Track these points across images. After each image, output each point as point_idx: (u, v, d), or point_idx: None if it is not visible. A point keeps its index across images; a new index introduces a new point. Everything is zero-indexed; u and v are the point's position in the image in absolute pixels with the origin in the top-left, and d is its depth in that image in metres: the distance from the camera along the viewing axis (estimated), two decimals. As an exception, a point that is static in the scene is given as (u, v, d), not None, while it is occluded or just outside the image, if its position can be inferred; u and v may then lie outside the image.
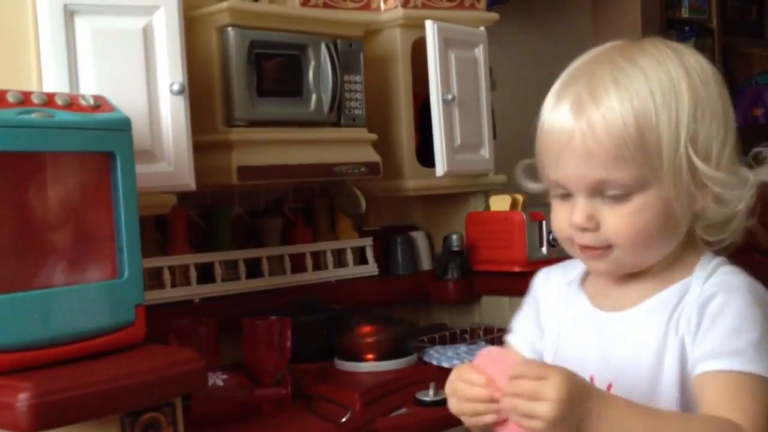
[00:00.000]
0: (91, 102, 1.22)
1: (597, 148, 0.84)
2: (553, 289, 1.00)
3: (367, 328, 1.66)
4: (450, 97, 1.86)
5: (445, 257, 1.97)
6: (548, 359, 0.96)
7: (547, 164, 0.90)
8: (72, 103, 1.20)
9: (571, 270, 0.99)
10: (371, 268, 1.97)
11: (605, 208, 0.87)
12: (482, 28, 1.99)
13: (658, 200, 0.86)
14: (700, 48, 3.98)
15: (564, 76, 0.91)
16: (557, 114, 0.88)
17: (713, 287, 0.87)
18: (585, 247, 0.89)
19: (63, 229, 1.20)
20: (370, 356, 1.61)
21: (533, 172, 0.95)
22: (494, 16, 2.06)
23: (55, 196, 1.20)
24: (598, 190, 0.86)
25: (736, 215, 0.88)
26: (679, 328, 0.86)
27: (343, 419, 1.36)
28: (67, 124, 1.16)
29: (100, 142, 1.19)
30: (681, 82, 0.86)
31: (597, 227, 0.87)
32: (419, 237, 2.09)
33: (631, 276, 0.92)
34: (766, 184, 0.90)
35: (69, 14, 1.34)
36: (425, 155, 1.93)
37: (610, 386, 0.87)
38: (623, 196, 0.86)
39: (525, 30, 2.86)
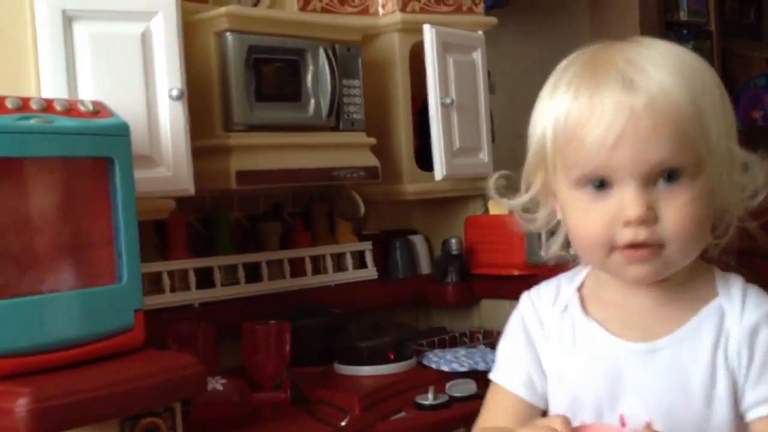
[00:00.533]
0: (90, 108, 1.22)
1: (662, 124, 0.76)
2: (546, 316, 0.90)
3: (366, 332, 1.66)
4: (448, 101, 1.86)
5: (444, 261, 1.97)
6: (560, 400, 0.87)
7: (581, 156, 0.79)
8: (71, 109, 1.20)
9: (563, 291, 0.90)
10: (370, 272, 1.97)
11: (660, 197, 0.77)
12: (480, 32, 2.00)
13: (708, 188, 0.79)
14: (699, 50, 3.98)
15: (570, 69, 0.83)
16: (598, 97, 0.78)
17: (755, 316, 0.82)
18: (636, 247, 0.78)
19: (62, 234, 1.20)
20: (369, 360, 1.61)
21: (513, 185, 0.88)
22: (492, 20, 2.07)
23: (54, 201, 1.20)
24: (655, 177, 0.77)
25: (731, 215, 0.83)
26: (728, 360, 0.81)
27: (343, 423, 1.36)
28: (66, 129, 1.16)
29: (98, 148, 1.20)
30: (705, 65, 0.81)
31: (656, 220, 0.77)
32: (418, 241, 2.09)
33: (648, 296, 0.84)
34: None
35: (67, 20, 1.34)
36: (424, 159, 1.93)
37: (649, 425, 0.77)
38: (684, 182, 0.77)
39: (523, 34, 2.87)
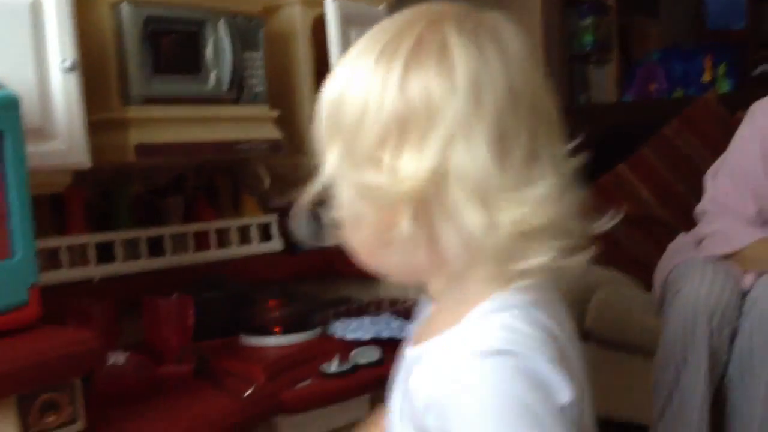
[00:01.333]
0: (-23, 79, 1.19)
1: None
2: None
3: (271, 303, 1.67)
4: (351, 73, 1.87)
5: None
6: None
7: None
8: (-44, 80, 1.17)
9: None
10: (276, 244, 1.98)
11: None
12: (382, 6, 2.01)
13: None
14: (599, 26, 4.10)
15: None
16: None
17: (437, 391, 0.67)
18: None
19: (-50, 209, 1.17)
20: (274, 330, 1.63)
21: None
22: (394, -7, 2.08)
23: (-60, 175, 1.16)
24: None
25: None
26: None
27: (247, 393, 1.37)
28: (-49, 101, 1.13)
29: (-13, 120, 1.16)
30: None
31: None
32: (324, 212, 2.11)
33: None
34: None
35: (-49, -12, 1.29)
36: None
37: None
38: None
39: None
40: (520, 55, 0.69)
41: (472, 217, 0.66)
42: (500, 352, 0.64)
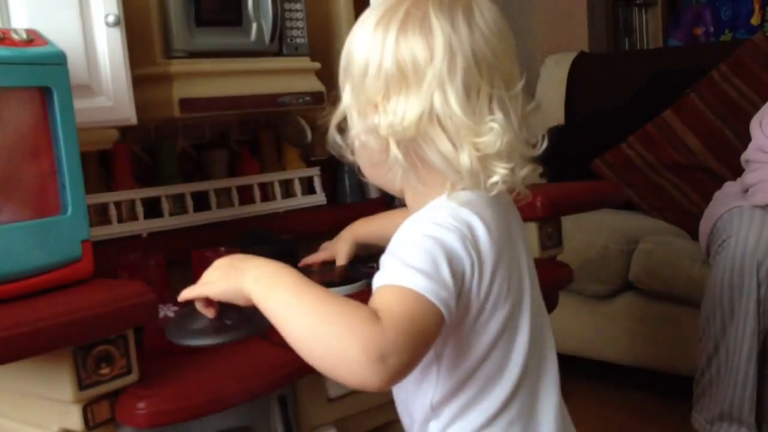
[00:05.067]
0: (24, 36, 1.19)
1: None
2: None
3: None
4: (392, 23, 1.85)
5: (392, 184, 1.99)
6: None
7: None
8: (4, 38, 1.17)
9: None
10: (319, 198, 1.98)
11: None
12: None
13: None
14: (643, -32, 4.00)
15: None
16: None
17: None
18: None
19: (3, 167, 1.18)
20: (320, 283, 1.63)
21: None
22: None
23: (-7, 133, 1.18)
24: None
25: None
26: None
27: (295, 345, 1.39)
28: (0, 59, 1.13)
29: (35, 77, 1.17)
30: None
31: None
32: (366, 165, 2.11)
33: None
34: None
35: (-5, -55, 1.29)
36: (369, 83, 1.93)
37: None
38: None
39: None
40: (485, 25, 0.91)
41: (444, 145, 0.89)
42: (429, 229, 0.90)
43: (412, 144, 0.91)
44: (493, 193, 0.91)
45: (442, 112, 0.89)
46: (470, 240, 0.89)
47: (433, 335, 0.86)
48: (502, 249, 0.92)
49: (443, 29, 0.89)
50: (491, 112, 0.90)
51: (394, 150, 0.91)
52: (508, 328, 0.94)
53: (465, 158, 0.89)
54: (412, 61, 0.89)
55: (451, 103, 0.88)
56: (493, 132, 0.89)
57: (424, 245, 0.87)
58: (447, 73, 0.88)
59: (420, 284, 0.85)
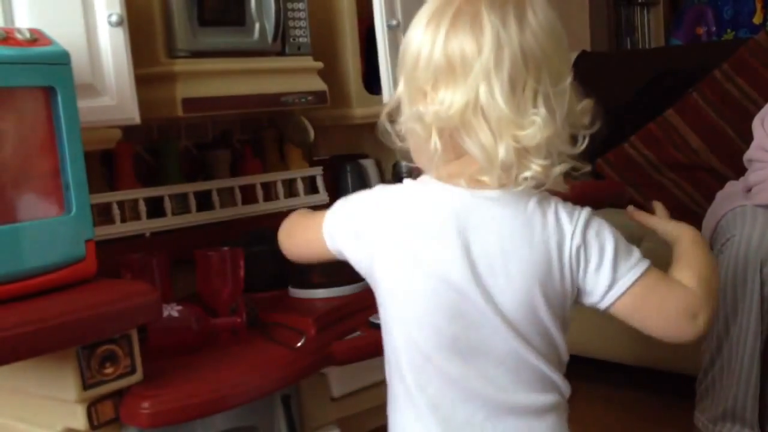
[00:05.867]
0: (28, 36, 1.19)
1: None
2: None
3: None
4: (395, 23, 1.85)
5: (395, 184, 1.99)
6: None
7: None
8: (8, 38, 1.17)
9: None
10: (322, 197, 1.98)
11: None
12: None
13: None
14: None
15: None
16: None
17: None
18: None
19: (6, 167, 1.18)
20: (322, 283, 1.64)
21: None
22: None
23: (-3, 133, 1.18)
24: None
25: None
26: None
27: (299, 344, 1.39)
28: (4, 59, 1.13)
29: (39, 77, 1.17)
30: None
31: None
32: (369, 165, 2.11)
33: None
34: None
35: (-2, -55, 1.29)
36: (372, 82, 1.93)
37: None
38: None
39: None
40: (536, 22, 0.94)
41: (485, 136, 0.93)
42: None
43: (455, 133, 0.95)
44: (520, 188, 0.94)
45: (486, 104, 0.92)
46: None
47: None
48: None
49: (493, 25, 0.92)
50: (535, 106, 0.92)
51: (435, 138, 0.95)
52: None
53: (502, 150, 0.92)
54: (461, 54, 0.93)
55: (496, 95, 0.91)
56: (535, 126, 0.91)
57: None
58: (494, 67, 0.92)
59: None
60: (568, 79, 0.94)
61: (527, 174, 0.93)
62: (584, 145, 0.96)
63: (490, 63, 0.92)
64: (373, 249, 1.03)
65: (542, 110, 0.92)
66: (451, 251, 0.97)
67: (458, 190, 0.98)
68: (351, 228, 1.06)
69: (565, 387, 1.04)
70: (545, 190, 0.99)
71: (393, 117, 1.01)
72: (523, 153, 0.92)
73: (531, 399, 1.00)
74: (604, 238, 0.99)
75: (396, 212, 1.01)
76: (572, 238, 0.98)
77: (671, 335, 1.03)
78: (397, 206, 1.02)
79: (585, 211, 1.00)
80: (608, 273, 0.98)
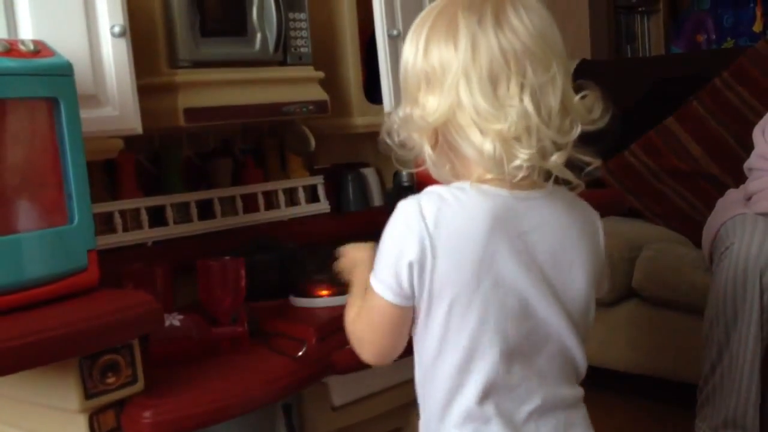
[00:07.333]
0: (31, 47, 1.20)
1: None
2: None
3: (320, 265, 1.68)
4: (395, 32, 1.86)
5: (396, 193, 1.99)
6: None
7: None
8: (11, 49, 1.18)
9: None
10: (323, 206, 1.99)
11: None
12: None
13: None
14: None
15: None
16: None
17: None
18: None
19: (9, 177, 1.19)
20: (324, 292, 1.64)
21: None
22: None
23: (0, 145, 1.18)
24: None
25: None
26: None
27: (300, 353, 1.39)
28: (8, 70, 1.14)
29: (42, 88, 1.18)
30: None
31: None
32: (370, 173, 2.11)
33: None
34: None
35: (2, -43, 1.30)
36: (373, 91, 1.94)
37: None
38: None
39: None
40: (517, 19, 0.96)
41: (473, 134, 0.95)
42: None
43: (448, 137, 0.98)
44: (519, 177, 0.96)
45: (467, 103, 0.95)
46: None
47: None
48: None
49: (468, 25, 0.96)
50: (521, 100, 0.94)
51: (427, 145, 1.00)
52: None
53: (489, 144, 0.94)
54: (439, 58, 0.97)
55: (475, 92, 0.94)
56: (510, 116, 0.93)
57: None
58: (471, 66, 0.95)
59: None
60: (552, 71, 0.95)
61: (516, 163, 0.94)
62: (575, 133, 0.97)
63: (467, 62, 0.95)
64: (438, 268, 0.97)
65: (525, 101, 0.94)
66: (517, 256, 0.98)
67: (502, 192, 0.98)
68: (403, 265, 0.98)
69: (583, 376, 1.09)
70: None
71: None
72: (509, 145, 0.94)
73: (570, 392, 1.05)
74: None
75: (452, 224, 0.97)
76: (601, 232, 1.08)
77: None
78: (451, 218, 0.97)
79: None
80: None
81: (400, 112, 1.02)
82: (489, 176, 0.98)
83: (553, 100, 0.95)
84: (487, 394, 0.99)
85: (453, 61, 0.96)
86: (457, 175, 1.01)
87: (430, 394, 1.03)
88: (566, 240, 1.02)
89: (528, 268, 0.98)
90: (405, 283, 0.98)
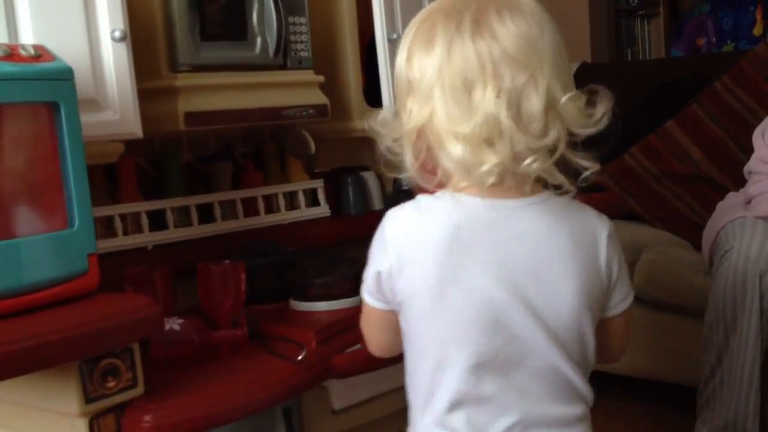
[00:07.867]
0: (32, 52, 1.21)
1: None
2: None
3: (320, 269, 1.69)
4: (395, 36, 1.86)
5: (396, 196, 1.99)
6: None
7: None
8: (12, 54, 1.18)
9: None
10: (323, 210, 1.99)
11: None
12: (426, -32, 1.99)
13: None
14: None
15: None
16: None
17: None
18: None
19: (10, 181, 1.19)
20: (323, 296, 1.64)
21: None
22: (438, -47, 2.05)
23: (1, 149, 1.19)
24: None
25: None
26: None
27: (300, 357, 1.39)
28: (8, 75, 1.14)
29: (43, 93, 1.19)
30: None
31: None
32: (370, 177, 2.11)
33: None
34: None
35: (3, -38, 1.31)
36: (373, 95, 1.94)
37: None
38: None
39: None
40: (498, 26, 0.96)
41: (449, 141, 0.95)
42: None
43: (429, 145, 0.98)
44: (489, 183, 0.95)
45: (440, 108, 0.95)
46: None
47: None
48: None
49: (446, 33, 0.96)
50: (495, 105, 0.93)
51: (407, 151, 1.00)
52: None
53: (458, 149, 0.94)
54: (419, 65, 0.98)
55: (448, 98, 0.95)
56: (476, 121, 0.93)
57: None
58: (446, 71, 0.95)
59: None
60: (534, 75, 0.93)
61: (484, 168, 0.93)
62: (551, 138, 0.94)
63: (442, 68, 0.95)
64: (404, 276, 0.99)
65: (498, 106, 0.93)
66: (487, 265, 0.96)
67: (475, 201, 0.97)
68: (376, 273, 1.03)
69: (590, 397, 1.03)
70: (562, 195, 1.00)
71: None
72: (479, 149, 0.93)
73: (563, 411, 1.00)
74: (620, 251, 1.04)
75: (418, 233, 0.99)
76: (606, 244, 1.01)
77: (614, 358, 1.12)
78: (419, 227, 0.99)
79: (608, 219, 1.04)
80: (626, 285, 1.04)
81: (386, 117, 1.04)
82: (463, 184, 0.98)
83: (536, 105, 0.93)
84: (457, 404, 0.98)
85: (429, 68, 0.97)
86: (441, 184, 1.01)
87: (411, 397, 1.05)
88: (550, 251, 0.97)
89: (497, 279, 0.95)
90: (382, 288, 1.03)
